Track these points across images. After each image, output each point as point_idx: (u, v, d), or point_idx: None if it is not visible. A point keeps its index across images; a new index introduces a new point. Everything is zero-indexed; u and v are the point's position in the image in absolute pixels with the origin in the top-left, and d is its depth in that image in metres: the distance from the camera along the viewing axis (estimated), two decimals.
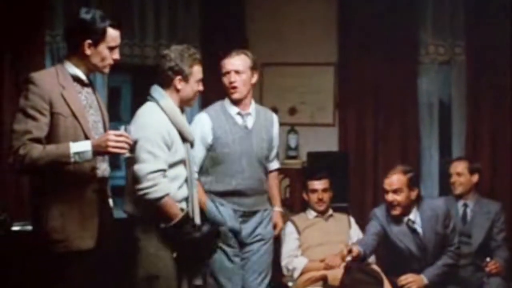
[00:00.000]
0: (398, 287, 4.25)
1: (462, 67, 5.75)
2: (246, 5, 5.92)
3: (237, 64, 4.16)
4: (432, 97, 5.87)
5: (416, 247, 4.44)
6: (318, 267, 4.27)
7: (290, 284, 4.00)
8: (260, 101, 5.53)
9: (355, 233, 4.80)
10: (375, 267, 4.19)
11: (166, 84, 3.66)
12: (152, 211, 3.41)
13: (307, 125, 5.76)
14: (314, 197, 4.75)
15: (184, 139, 3.62)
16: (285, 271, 4.47)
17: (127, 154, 3.29)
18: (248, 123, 4.19)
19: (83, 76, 3.27)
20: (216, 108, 4.25)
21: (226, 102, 4.24)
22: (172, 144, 3.51)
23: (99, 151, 3.09)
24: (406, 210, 4.42)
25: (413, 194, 4.43)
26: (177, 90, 3.65)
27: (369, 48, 5.77)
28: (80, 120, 3.18)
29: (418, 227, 4.46)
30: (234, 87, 4.15)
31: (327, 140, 5.85)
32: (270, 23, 5.98)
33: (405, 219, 4.47)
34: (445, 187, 5.19)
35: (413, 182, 4.45)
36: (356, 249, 4.05)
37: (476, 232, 4.80)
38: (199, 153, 4.03)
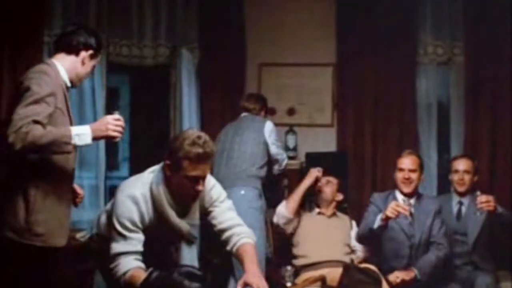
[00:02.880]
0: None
1: (461, 67, 5.75)
2: (245, 6, 5.91)
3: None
4: (430, 97, 5.86)
5: (407, 229, 4.55)
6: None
7: (288, 284, 3.99)
8: None
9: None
10: (372, 267, 4.18)
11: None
12: None
13: (306, 125, 5.76)
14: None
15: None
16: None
17: (118, 139, 3.24)
18: None
19: (68, 83, 3.36)
20: None
21: None
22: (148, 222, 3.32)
23: (98, 135, 3.15)
24: (414, 191, 4.67)
25: (421, 177, 4.72)
26: (167, 176, 3.32)
27: (368, 48, 5.77)
28: (72, 120, 3.30)
29: (413, 212, 4.61)
30: None
31: (325, 141, 5.85)
32: (269, 23, 5.97)
33: (406, 203, 4.60)
34: (444, 188, 5.18)
35: (422, 167, 4.74)
36: None
37: (471, 229, 4.79)
38: None
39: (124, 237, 3.24)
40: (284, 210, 4.64)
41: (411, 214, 4.61)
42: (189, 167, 3.19)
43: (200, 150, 3.18)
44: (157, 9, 5.85)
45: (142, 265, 3.23)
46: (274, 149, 5.01)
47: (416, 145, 5.75)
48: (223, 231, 3.44)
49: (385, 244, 4.61)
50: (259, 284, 3.13)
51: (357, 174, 5.75)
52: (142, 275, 3.15)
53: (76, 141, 3.09)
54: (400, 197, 4.67)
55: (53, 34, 5.50)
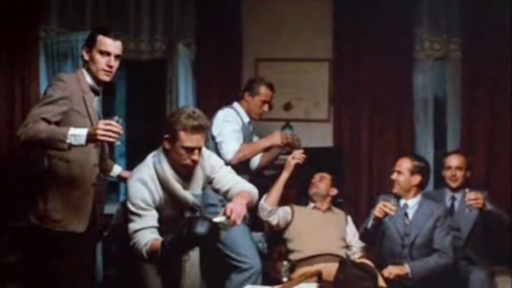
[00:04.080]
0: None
1: (457, 63, 5.75)
2: (242, 1, 5.90)
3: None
4: (427, 92, 5.87)
5: (402, 229, 4.58)
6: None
7: (284, 279, 3.99)
8: None
9: (352, 230, 4.83)
10: (369, 262, 4.19)
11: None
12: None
13: (302, 120, 5.76)
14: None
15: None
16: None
17: (118, 142, 3.43)
18: (251, 128, 4.95)
19: (96, 86, 3.72)
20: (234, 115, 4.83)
21: (241, 112, 4.89)
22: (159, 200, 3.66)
23: (91, 138, 3.34)
24: (405, 193, 4.68)
25: (414, 180, 4.68)
26: (167, 150, 3.66)
27: (364, 44, 5.77)
28: (93, 122, 3.60)
29: (411, 213, 4.64)
30: (263, 113, 4.90)
31: (322, 136, 5.85)
32: (265, 18, 5.97)
33: (402, 203, 4.65)
34: (440, 183, 5.19)
35: (417, 171, 4.69)
36: None
37: (464, 224, 4.82)
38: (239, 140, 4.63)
39: (139, 215, 3.54)
40: (263, 202, 4.63)
41: (406, 214, 4.64)
42: (185, 138, 3.53)
43: (194, 122, 3.52)
44: (153, 4, 5.85)
45: (159, 237, 3.48)
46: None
47: (412, 140, 5.76)
48: (227, 192, 3.79)
49: (381, 242, 4.65)
50: (233, 207, 3.39)
51: (354, 169, 5.75)
52: (160, 243, 3.42)
53: (72, 140, 3.32)
54: (402, 200, 4.68)
55: (50, 29, 5.51)
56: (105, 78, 3.70)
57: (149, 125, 5.94)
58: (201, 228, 3.27)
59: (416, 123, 5.82)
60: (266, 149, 4.81)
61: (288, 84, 5.75)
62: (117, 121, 3.36)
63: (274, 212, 4.64)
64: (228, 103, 4.98)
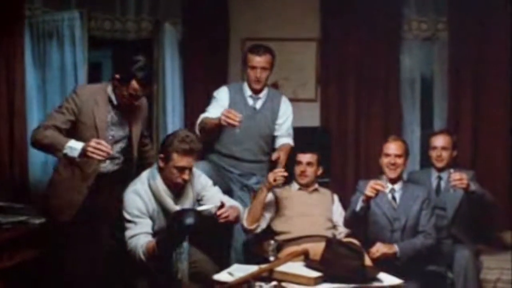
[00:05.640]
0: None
1: (445, 43, 5.76)
2: None
3: (264, 62, 4.82)
4: (414, 73, 5.89)
5: (391, 215, 4.58)
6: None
7: (271, 258, 3.99)
8: (242, 76, 5.51)
9: (338, 210, 4.80)
10: (355, 241, 4.20)
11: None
12: None
13: (289, 100, 5.73)
14: (297, 169, 4.75)
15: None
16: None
17: (107, 162, 4.08)
18: (257, 105, 4.93)
19: (114, 101, 4.15)
20: (236, 87, 4.99)
21: (245, 85, 4.96)
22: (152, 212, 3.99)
23: (83, 153, 3.76)
24: (400, 176, 4.68)
25: (406, 163, 4.73)
26: (160, 168, 4.01)
27: (352, 23, 5.77)
28: (99, 133, 4.05)
29: (397, 197, 4.64)
30: (258, 81, 4.84)
31: (309, 116, 5.85)
32: None
33: (389, 188, 4.62)
34: (427, 162, 5.20)
35: (407, 153, 4.75)
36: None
37: (450, 203, 4.84)
38: (216, 114, 4.56)
39: (134, 223, 3.87)
40: (244, 223, 4.57)
41: (394, 198, 4.64)
42: (178, 159, 3.90)
43: (187, 146, 3.89)
44: None
45: (153, 240, 3.78)
46: None
47: (399, 120, 5.78)
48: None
49: (368, 229, 4.61)
50: (229, 210, 3.95)
51: (341, 149, 5.77)
52: (155, 242, 3.74)
53: (67, 152, 3.79)
54: (389, 185, 4.65)
55: (35, 8, 5.45)
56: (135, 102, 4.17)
57: None
58: (189, 218, 3.59)
59: (403, 103, 5.83)
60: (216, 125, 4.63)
61: (275, 64, 5.73)
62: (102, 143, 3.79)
63: (257, 225, 4.59)
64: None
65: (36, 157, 5.38)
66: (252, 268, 3.86)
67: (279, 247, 4.39)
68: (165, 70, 5.81)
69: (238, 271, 3.88)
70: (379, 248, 4.39)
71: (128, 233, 3.86)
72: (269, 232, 4.62)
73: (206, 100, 5.08)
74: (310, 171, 4.74)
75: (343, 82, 5.79)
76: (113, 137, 4.19)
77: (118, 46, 5.96)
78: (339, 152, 5.75)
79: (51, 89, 5.62)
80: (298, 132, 5.09)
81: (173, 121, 5.74)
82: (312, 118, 5.85)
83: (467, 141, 5.54)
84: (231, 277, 3.79)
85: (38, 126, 3.99)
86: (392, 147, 4.65)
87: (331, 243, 3.92)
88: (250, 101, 4.91)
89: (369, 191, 4.28)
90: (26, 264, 4.32)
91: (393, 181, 4.65)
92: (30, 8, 5.42)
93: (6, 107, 5.25)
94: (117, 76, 4.06)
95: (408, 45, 5.84)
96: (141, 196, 3.94)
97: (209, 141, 4.87)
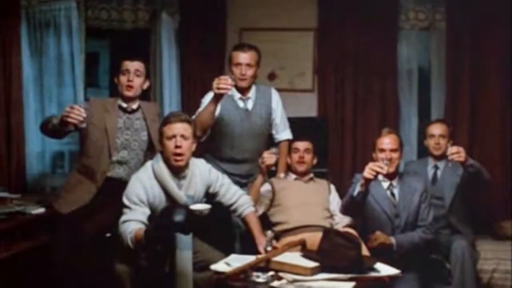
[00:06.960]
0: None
1: (442, 33, 5.75)
2: None
3: (249, 59, 4.67)
4: (411, 63, 5.89)
5: (391, 211, 4.52)
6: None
7: (268, 248, 4.00)
8: None
9: (335, 199, 4.79)
10: (353, 231, 4.20)
11: None
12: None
13: (286, 90, 5.72)
14: (295, 157, 4.75)
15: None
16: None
17: (83, 125, 4.08)
18: (249, 106, 4.79)
19: (124, 105, 4.43)
20: None
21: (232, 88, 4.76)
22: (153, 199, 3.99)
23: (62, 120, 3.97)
24: (396, 171, 4.60)
25: (401, 156, 4.64)
26: (161, 152, 4.08)
27: (349, 13, 5.75)
28: (109, 135, 4.31)
29: (396, 193, 4.57)
30: (244, 79, 4.69)
31: (306, 106, 5.85)
32: None
33: (387, 184, 4.57)
34: (424, 153, 5.21)
35: (402, 146, 4.67)
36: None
37: (447, 192, 4.86)
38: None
39: (130, 208, 3.87)
40: None
41: (393, 194, 4.59)
42: (167, 129, 3.97)
43: (174, 116, 4.02)
44: None
45: (142, 228, 3.73)
46: None
47: (396, 110, 5.77)
48: (231, 205, 4.29)
49: (367, 224, 4.57)
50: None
51: (338, 140, 5.76)
52: (143, 231, 3.68)
53: (54, 122, 4.09)
54: (380, 177, 4.45)
55: None
56: (128, 93, 4.40)
57: None
58: (179, 216, 3.47)
59: (400, 94, 5.83)
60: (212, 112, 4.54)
61: (272, 54, 5.71)
62: (80, 106, 3.99)
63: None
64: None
65: (33, 147, 5.39)
66: (250, 258, 3.86)
67: (276, 238, 4.40)
68: (162, 60, 5.81)
69: (235, 261, 3.87)
70: (377, 237, 4.36)
71: (122, 218, 3.85)
72: (266, 222, 4.63)
73: (203, 89, 5.07)
74: (308, 158, 4.74)
75: (340, 72, 5.78)
76: (127, 141, 4.41)
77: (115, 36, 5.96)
78: (336, 142, 5.75)
79: (48, 79, 5.62)
80: (295, 122, 5.08)
81: (170, 110, 5.73)
82: (310, 108, 5.84)
83: (465, 132, 5.55)
84: (228, 267, 3.79)
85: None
86: (387, 142, 4.55)
87: (328, 233, 3.92)
88: (241, 103, 4.76)
89: (367, 173, 4.11)
90: (23, 255, 4.33)
91: (390, 176, 4.56)
92: None
93: (3, 98, 5.26)
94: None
95: (406, 35, 5.84)
96: (143, 183, 3.95)
97: (208, 149, 4.83)
